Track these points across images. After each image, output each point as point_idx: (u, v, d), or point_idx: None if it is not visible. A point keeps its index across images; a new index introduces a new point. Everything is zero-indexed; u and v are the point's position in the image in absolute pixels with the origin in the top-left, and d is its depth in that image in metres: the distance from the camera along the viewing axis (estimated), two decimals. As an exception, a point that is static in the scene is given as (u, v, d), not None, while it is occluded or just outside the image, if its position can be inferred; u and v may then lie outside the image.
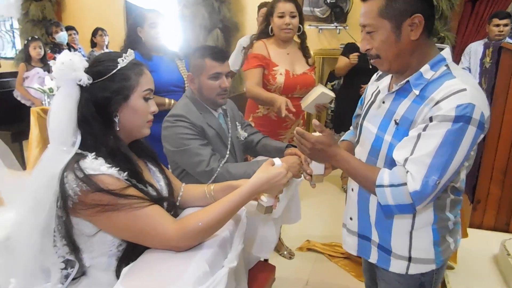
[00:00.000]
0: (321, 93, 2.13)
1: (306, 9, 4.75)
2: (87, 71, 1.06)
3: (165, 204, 1.13)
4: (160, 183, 1.23)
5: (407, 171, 1.05)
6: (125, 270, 0.97)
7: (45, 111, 2.85)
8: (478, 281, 2.28)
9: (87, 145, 1.04)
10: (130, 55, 1.12)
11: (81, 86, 1.05)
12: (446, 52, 1.11)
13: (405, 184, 1.04)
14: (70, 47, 4.64)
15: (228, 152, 1.70)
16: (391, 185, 1.07)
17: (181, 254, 1.01)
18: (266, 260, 2.09)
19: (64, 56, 1.04)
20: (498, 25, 3.68)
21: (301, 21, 2.29)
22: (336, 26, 4.61)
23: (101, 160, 1.01)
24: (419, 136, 1.04)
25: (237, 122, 1.87)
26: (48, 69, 4.11)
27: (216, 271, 0.99)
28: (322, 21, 4.66)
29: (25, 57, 4.14)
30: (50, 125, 1.06)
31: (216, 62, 1.64)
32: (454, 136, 0.99)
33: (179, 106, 1.69)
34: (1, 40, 7.68)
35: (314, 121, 1.19)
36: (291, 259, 2.61)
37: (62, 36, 4.45)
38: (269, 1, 3.47)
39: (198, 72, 1.67)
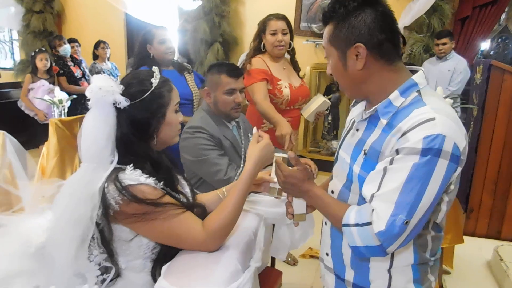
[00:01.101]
0: (324, 101, 2.38)
1: (303, 24, 4.92)
2: (123, 93, 1.09)
3: (195, 210, 1.21)
4: (186, 190, 1.32)
5: (373, 209, 0.95)
6: (164, 267, 1.06)
7: (63, 122, 2.95)
8: (473, 284, 2.40)
9: (125, 160, 1.10)
10: (157, 73, 1.19)
11: (117, 108, 1.09)
12: (419, 76, 1.02)
13: (370, 223, 0.95)
14: (73, 59, 4.73)
15: (242, 162, 1.80)
16: (357, 225, 0.97)
17: (213, 253, 1.11)
18: (273, 266, 2.19)
19: (101, 80, 1.07)
20: (437, 44, 4.03)
21: (291, 37, 2.41)
22: (333, 42, 4.78)
23: (138, 171, 1.09)
24: (385, 170, 0.95)
25: (249, 134, 1.98)
26: (53, 81, 4.19)
27: (245, 270, 1.09)
28: (319, 37, 4.82)
29: (32, 69, 4.21)
30: (84, 145, 1.09)
31: (232, 79, 1.77)
32: (422, 170, 0.90)
33: (197, 119, 1.80)
34: (0, 50, 7.73)
35: (290, 153, 1.13)
36: (295, 266, 2.71)
37: (66, 49, 4.53)
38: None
39: (214, 87, 1.79)
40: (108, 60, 5.18)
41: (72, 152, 3.07)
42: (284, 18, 2.36)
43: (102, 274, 1.13)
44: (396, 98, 1.00)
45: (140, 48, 2.53)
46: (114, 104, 1.08)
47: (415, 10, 4.22)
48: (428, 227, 1.05)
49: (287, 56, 2.52)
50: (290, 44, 2.41)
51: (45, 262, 1.15)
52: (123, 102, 1.09)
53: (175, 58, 2.68)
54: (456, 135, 0.92)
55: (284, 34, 2.33)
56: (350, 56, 1.00)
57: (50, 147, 2.86)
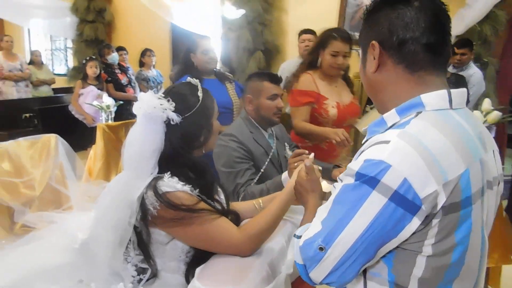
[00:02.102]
0: None
1: (346, 33, 4.86)
2: (175, 110, 1.14)
3: (229, 216, 1.24)
4: (220, 197, 1.34)
5: None
6: (198, 269, 1.10)
7: (110, 127, 3.12)
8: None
9: (164, 170, 1.15)
10: (199, 85, 1.24)
11: (167, 124, 1.14)
12: (434, 96, 0.78)
13: (301, 237, 0.84)
14: (120, 66, 4.94)
15: (264, 168, 1.81)
16: (297, 236, 0.86)
17: (245, 258, 1.13)
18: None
19: (152, 99, 1.13)
20: (456, 54, 3.72)
21: None
22: (377, 50, 4.68)
23: (175, 179, 1.13)
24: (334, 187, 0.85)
25: (285, 143, 1.98)
26: (101, 87, 4.39)
27: (276, 275, 1.11)
28: (362, 45, 4.74)
29: (82, 75, 4.44)
30: (128, 155, 1.16)
31: (274, 85, 1.83)
32: (349, 195, 0.75)
33: (231, 126, 1.88)
34: (56, 57, 8.25)
35: (306, 161, 1.13)
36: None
37: (113, 57, 4.74)
38: (310, 29, 3.59)
39: (256, 93, 1.83)
40: (154, 67, 5.37)
41: (117, 155, 3.22)
42: (349, 40, 2.16)
43: (138, 275, 1.18)
44: (391, 116, 0.82)
45: (184, 57, 2.61)
46: (165, 121, 1.14)
47: (469, 17, 4.02)
48: None
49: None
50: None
51: (87, 258, 1.23)
52: (176, 119, 1.14)
53: (218, 67, 2.73)
54: (414, 172, 0.69)
55: (345, 57, 2.16)
56: (368, 56, 0.85)
57: (97, 150, 3.02)
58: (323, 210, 0.81)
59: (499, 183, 0.86)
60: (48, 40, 8.32)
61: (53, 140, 2.54)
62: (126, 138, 1.19)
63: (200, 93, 1.21)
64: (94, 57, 4.57)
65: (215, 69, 2.63)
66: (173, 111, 1.13)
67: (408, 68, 0.80)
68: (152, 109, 1.11)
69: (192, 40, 2.60)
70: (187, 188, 1.13)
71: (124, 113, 4.20)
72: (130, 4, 6.38)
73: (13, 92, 5.40)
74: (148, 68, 5.28)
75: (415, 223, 0.71)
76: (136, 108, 1.15)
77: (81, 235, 1.38)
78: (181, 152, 1.17)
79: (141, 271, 1.19)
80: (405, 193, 0.69)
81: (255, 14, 4.91)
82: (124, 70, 4.96)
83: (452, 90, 0.79)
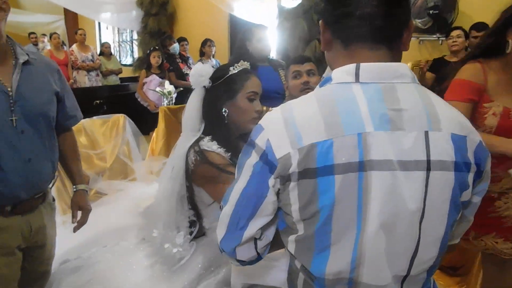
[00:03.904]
0: None
1: (406, 20, 4.71)
2: (210, 77, 1.37)
3: None
4: None
5: None
6: None
7: (171, 110, 3.36)
8: None
9: (207, 131, 1.35)
10: (241, 65, 1.39)
11: (205, 88, 1.37)
12: (341, 70, 0.78)
13: None
14: (181, 56, 5.19)
15: None
16: None
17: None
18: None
19: (197, 66, 1.40)
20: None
21: None
22: (439, 37, 4.49)
23: (214, 142, 1.30)
24: None
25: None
26: (163, 76, 4.67)
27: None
28: (423, 32, 4.57)
29: (146, 65, 4.74)
30: (184, 117, 1.40)
31: (296, 64, 1.97)
32: (241, 158, 0.81)
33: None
34: (122, 49, 8.80)
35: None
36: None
37: (175, 48, 5.01)
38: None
39: (287, 77, 2.02)
40: (213, 57, 5.55)
41: (177, 136, 3.47)
42: None
43: (190, 227, 1.35)
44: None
45: (239, 44, 2.73)
46: (203, 85, 1.36)
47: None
48: (298, 266, 0.84)
49: None
50: None
51: (149, 216, 1.44)
52: (206, 83, 1.35)
53: (273, 55, 2.83)
54: (275, 135, 0.74)
55: None
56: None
57: (158, 131, 3.27)
58: None
59: (441, 169, 0.74)
60: (116, 33, 8.89)
61: (121, 119, 2.82)
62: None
63: (232, 69, 1.36)
64: (157, 47, 4.86)
65: (268, 57, 2.72)
66: (209, 78, 1.36)
67: (343, 43, 0.79)
68: (193, 72, 1.36)
69: (248, 28, 2.71)
70: (221, 150, 1.28)
71: (184, 99, 4.43)
72: (191, -4, 6.65)
73: (85, 80, 5.88)
74: (208, 58, 5.46)
75: (274, 182, 0.75)
76: (190, 74, 1.40)
77: (143, 202, 1.58)
78: (212, 115, 1.35)
79: (193, 223, 1.36)
80: (268, 152, 0.74)
81: (311, 3, 4.91)
82: (184, 59, 5.21)
83: (365, 65, 0.76)
